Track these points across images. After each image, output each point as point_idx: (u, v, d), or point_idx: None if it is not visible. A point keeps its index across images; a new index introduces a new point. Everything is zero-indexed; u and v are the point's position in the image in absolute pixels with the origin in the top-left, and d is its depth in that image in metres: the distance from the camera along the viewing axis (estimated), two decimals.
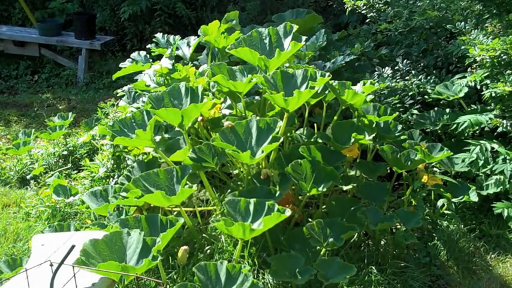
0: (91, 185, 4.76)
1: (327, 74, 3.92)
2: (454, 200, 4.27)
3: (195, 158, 3.84)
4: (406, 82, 4.85)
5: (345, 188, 4.20)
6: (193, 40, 5.33)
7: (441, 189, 4.28)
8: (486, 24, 4.89)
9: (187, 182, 3.78)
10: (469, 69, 4.85)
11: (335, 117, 4.25)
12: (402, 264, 3.84)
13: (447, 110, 4.75)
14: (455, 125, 4.55)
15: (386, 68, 5.06)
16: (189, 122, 3.88)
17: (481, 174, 4.38)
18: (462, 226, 4.23)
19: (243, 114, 4.21)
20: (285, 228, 3.92)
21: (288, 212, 3.34)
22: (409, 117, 4.83)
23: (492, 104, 4.57)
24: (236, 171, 4.31)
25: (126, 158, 4.73)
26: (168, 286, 3.54)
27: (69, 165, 5.42)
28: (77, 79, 8.03)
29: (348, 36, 6.16)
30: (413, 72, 5.03)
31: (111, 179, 4.71)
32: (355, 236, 3.95)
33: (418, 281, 3.76)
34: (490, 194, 4.29)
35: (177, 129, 4.06)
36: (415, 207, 4.14)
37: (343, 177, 4.09)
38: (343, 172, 4.18)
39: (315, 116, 4.80)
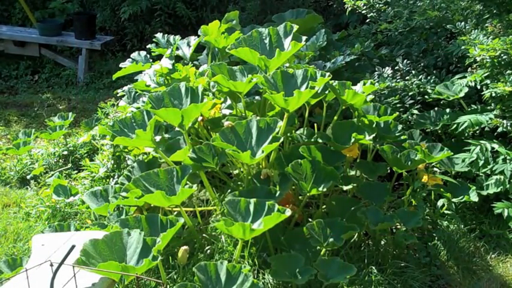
0: (91, 185, 4.76)
1: (327, 74, 3.92)
2: (454, 200, 4.27)
3: (195, 158, 3.83)
4: (406, 82, 4.85)
5: (345, 188, 4.19)
6: (194, 40, 5.33)
7: (441, 189, 4.28)
8: (486, 24, 4.88)
9: (188, 182, 3.77)
10: (469, 69, 4.85)
11: (335, 117, 4.24)
12: (402, 264, 3.84)
13: (447, 110, 4.75)
14: (455, 125, 4.54)
15: (387, 68, 5.06)
16: (189, 122, 3.87)
17: (481, 174, 4.38)
18: (462, 226, 4.23)
19: (243, 114, 4.21)
20: (285, 228, 3.91)
21: (288, 212, 3.33)
22: (409, 117, 4.83)
23: (492, 104, 4.57)
24: (236, 171, 4.31)
25: (126, 158, 4.73)
26: (168, 286, 3.53)
27: (69, 165, 5.41)
28: (77, 79, 8.03)
29: (348, 36, 6.15)
30: (413, 72, 5.03)
31: (111, 179, 4.70)
32: (355, 236, 3.95)
33: (418, 281, 3.75)
34: (490, 194, 4.29)
35: (177, 129, 4.05)
36: (415, 207, 4.13)
37: (343, 177, 4.08)
38: (343, 172, 4.17)
39: (315, 116, 4.79)
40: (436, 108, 4.82)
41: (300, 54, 4.90)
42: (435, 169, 4.54)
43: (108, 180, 4.74)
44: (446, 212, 4.25)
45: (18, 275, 2.91)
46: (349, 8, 5.71)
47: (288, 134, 4.24)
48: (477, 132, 4.67)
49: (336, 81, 4.14)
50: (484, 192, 4.29)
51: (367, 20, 5.94)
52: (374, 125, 4.19)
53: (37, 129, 6.36)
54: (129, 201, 3.66)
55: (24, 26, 8.74)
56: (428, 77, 4.92)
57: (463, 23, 4.93)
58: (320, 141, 4.11)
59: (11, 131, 6.57)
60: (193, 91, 3.97)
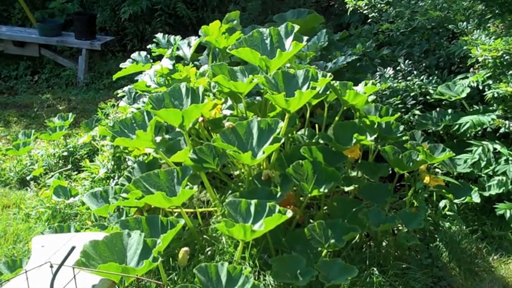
0: (91, 186, 4.75)
1: (329, 74, 3.91)
2: (456, 201, 4.25)
3: (195, 158, 3.83)
4: (408, 82, 4.84)
5: (346, 189, 4.19)
6: (194, 40, 5.33)
7: (443, 190, 4.26)
8: (488, 24, 4.87)
9: (188, 183, 3.77)
10: (471, 69, 4.83)
11: (336, 118, 4.25)
12: (404, 266, 3.83)
13: (449, 111, 4.74)
14: (457, 126, 4.53)
15: (388, 68, 5.05)
16: (189, 123, 3.87)
17: (483, 175, 4.36)
18: (464, 227, 4.21)
19: (244, 115, 4.21)
20: (286, 230, 3.91)
21: (289, 213, 3.33)
22: (411, 117, 4.81)
23: (494, 105, 4.56)
24: (237, 172, 4.31)
25: (127, 159, 4.72)
26: None
27: (69, 166, 5.40)
28: (77, 79, 8.01)
29: (349, 36, 6.15)
30: (415, 72, 5.02)
31: (112, 180, 4.69)
32: (356, 237, 3.93)
33: (420, 282, 3.75)
34: (492, 195, 4.27)
35: (177, 130, 4.06)
36: (417, 208, 4.12)
37: (344, 178, 4.07)
38: (345, 173, 4.17)
39: (316, 117, 4.79)
40: (438, 109, 4.81)
41: (301, 54, 4.89)
42: (437, 170, 4.53)
43: (108, 181, 4.72)
44: (448, 213, 4.23)
45: (18, 277, 2.91)
46: (351, 8, 5.70)
47: (289, 135, 4.25)
48: (479, 133, 4.66)
49: (337, 82, 4.15)
50: (486, 193, 4.28)
51: (369, 20, 5.93)
52: (375, 126, 4.19)
53: (37, 130, 6.35)
54: (129, 202, 3.67)
55: (24, 26, 8.72)
56: (430, 78, 4.91)
57: (465, 23, 4.92)
58: (321, 142, 4.11)
59: (11, 131, 6.56)
60: (194, 92, 3.97)
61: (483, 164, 4.31)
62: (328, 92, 4.19)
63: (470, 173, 4.42)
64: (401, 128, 4.34)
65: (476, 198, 4.21)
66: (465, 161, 4.41)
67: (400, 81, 4.90)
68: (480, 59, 4.52)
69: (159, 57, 5.21)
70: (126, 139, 3.88)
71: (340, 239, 3.59)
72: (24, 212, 4.66)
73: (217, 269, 3.19)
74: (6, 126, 6.73)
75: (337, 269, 3.49)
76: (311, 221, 4.00)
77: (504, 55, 4.41)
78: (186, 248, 3.55)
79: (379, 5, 5.62)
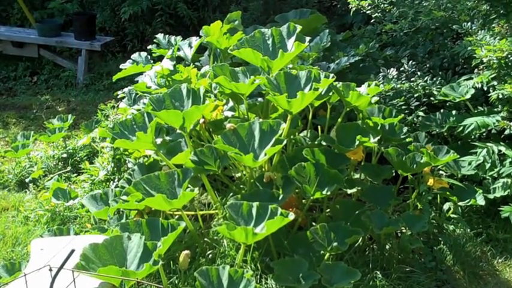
0: (91, 188, 4.74)
1: (331, 75, 3.90)
2: (460, 203, 4.24)
3: (196, 160, 3.83)
4: (411, 83, 4.82)
5: (349, 191, 4.18)
6: (195, 41, 5.33)
7: (447, 193, 4.25)
8: (493, 25, 4.85)
9: (189, 186, 3.78)
10: (475, 70, 4.82)
11: (339, 120, 4.25)
12: (407, 269, 3.82)
13: (453, 112, 4.72)
14: (461, 127, 4.51)
15: (392, 69, 5.03)
16: (190, 124, 3.87)
17: (488, 177, 4.35)
18: (469, 230, 4.20)
19: (246, 116, 4.21)
20: (288, 233, 3.90)
21: (292, 216, 3.33)
22: (415, 119, 4.80)
23: (499, 106, 4.54)
24: (239, 174, 4.30)
25: (127, 161, 4.71)
26: None
27: (69, 168, 5.38)
28: (76, 80, 7.99)
29: (352, 36, 6.13)
30: (419, 73, 5.00)
31: (112, 182, 4.68)
32: (359, 240, 3.93)
33: (424, 286, 3.73)
34: (497, 198, 4.25)
35: (178, 131, 4.06)
36: (421, 211, 4.11)
37: (347, 180, 4.07)
38: (348, 175, 4.17)
39: (319, 118, 4.79)
40: (442, 110, 4.79)
41: (303, 55, 4.89)
42: (441, 172, 4.50)
43: (108, 183, 4.72)
44: (452, 215, 4.22)
45: (17, 280, 2.95)
46: (354, 8, 5.68)
47: (291, 137, 4.25)
48: (484, 134, 4.64)
49: (340, 83, 4.14)
50: (491, 196, 4.25)
51: (372, 21, 5.92)
52: (379, 127, 4.18)
53: (36, 131, 6.33)
54: (129, 204, 3.67)
55: (23, 26, 8.70)
56: (434, 79, 4.90)
57: (469, 24, 4.89)
58: (324, 143, 4.10)
59: (10, 133, 6.54)
60: (195, 93, 3.96)
61: (488, 166, 4.29)
62: (330, 93, 4.18)
63: (474, 175, 4.40)
64: (405, 129, 4.32)
65: (480, 200, 4.18)
66: (469, 163, 4.39)
67: (403, 82, 4.88)
68: (485, 60, 4.50)
69: (160, 58, 5.20)
70: (126, 141, 3.88)
71: (343, 242, 3.58)
72: (23, 215, 4.64)
73: (219, 273, 3.19)
74: (4, 128, 6.70)
75: (340, 273, 3.48)
76: (313, 223, 3.99)
77: (509, 56, 4.39)
78: (187, 251, 3.56)
79: (382, 5, 5.61)
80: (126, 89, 5.25)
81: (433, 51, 5.41)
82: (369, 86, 4.29)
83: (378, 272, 3.70)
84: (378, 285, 3.62)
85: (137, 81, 4.99)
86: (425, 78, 4.89)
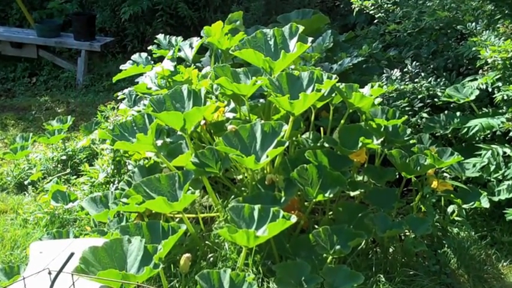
0: (90, 190, 4.73)
1: (334, 76, 3.89)
2: (464, 206, 4.23)
3: (197, 163, 3.83)
4: (415, 85, 4.81)
5: (352, 193, 4.19)
6: (196, 41, 5.31)
7: (451, 195, 4.24)
8: (498, 25, 4.83)
9: (190, 188, 3.75)
10: (480, 71, 4.79)
11: (342, 121, 4.24)
12: (411, 272, 3.80)
13: (458, 114, 4.71)
14: (466, 129, 4.49)
15: (395, 70, 5.01)
16: (191, 126, 3.86)
17: (492, 179, 4.33)
18: (473, 233, 4.20)
19: (247, 118, 4.21)
20: (290, 235, 3.89)
21: (294, 219, 3.33)
22: (419, 120, 4.80)
23: (504, 107, 4.51)
24: (240, 177, 4.29)
25: (127, 163, 4.70)
26: None
27: (68, 170, 5.36)
28: (76, 81, 7.98)
29: (355, 37, 6.14)
30: (422, 74, 4.98)
31: (111, 184, 4.68)
32: (362, 243, 3.91)
33: None
34: (502, 200, 4.24)
35: (179, 133, 4.05)
36: (425, 213, 4.11)
37: (350, 182, 4.07)
38: (351, 177, 4.17)
39: (321, 120, 4.78)
40: (446, 112, 4.77)
41: (305, 55, 4.88)
42: (445, 174, 4.51)
43: (108, 185, 4.71)
44: (456, 218, 4.21)
45: (16, 284, 2.91)
46: (357, 9, 5.68)
47: (294, 138, 4.24)
48: (488, 136, 4.62)
49: (343, 84, 4.12)
50: (496, 198, 4.25)
51: (375, 21, 5.92)
52: (382, 129, 4.17)
53: (35, 133, 6.31)
54: (129, 207, 3.66)
55: (22, 26, 8.69)
56: (438, 80, 4.88)
57: (473, 24, 4.89)
58: (326, 145, 4.10)
59: (8, 135, 6.53)
60: (196, 94, 3.96)
61: (492, 168, 4.28)
62: (333, 95, 4.16)
63: (479, 177, 4.40)
64: (409, 131, 4.31)
65: (485, 203, 4.18)
66: (474, 165, 4.39)
67: (407, 83, 4.87)
68: (489, 61, 4.48)
69: (160, 59, 5.18)
70: (127, 143, 3.87)
71: (345, 245, 3.57)
72: (22, 218, 4.63)
73: (220, 276, 3.19)
74: (3, 130, 6.69)
75: (343, 276, 3.47)
76: (316, 226, 3.98)
77: None
78: (187, 255, 3.55)
79: (385, 5, 5.61)
80: (126, 90, 5.25)
81: (437, 52, 5.41)
82: (372, 87, 4.28)
83: (381, 276, 3.69)
84: None
85: (137, 82, 4.98)
86: (429, 79, 4.88)
